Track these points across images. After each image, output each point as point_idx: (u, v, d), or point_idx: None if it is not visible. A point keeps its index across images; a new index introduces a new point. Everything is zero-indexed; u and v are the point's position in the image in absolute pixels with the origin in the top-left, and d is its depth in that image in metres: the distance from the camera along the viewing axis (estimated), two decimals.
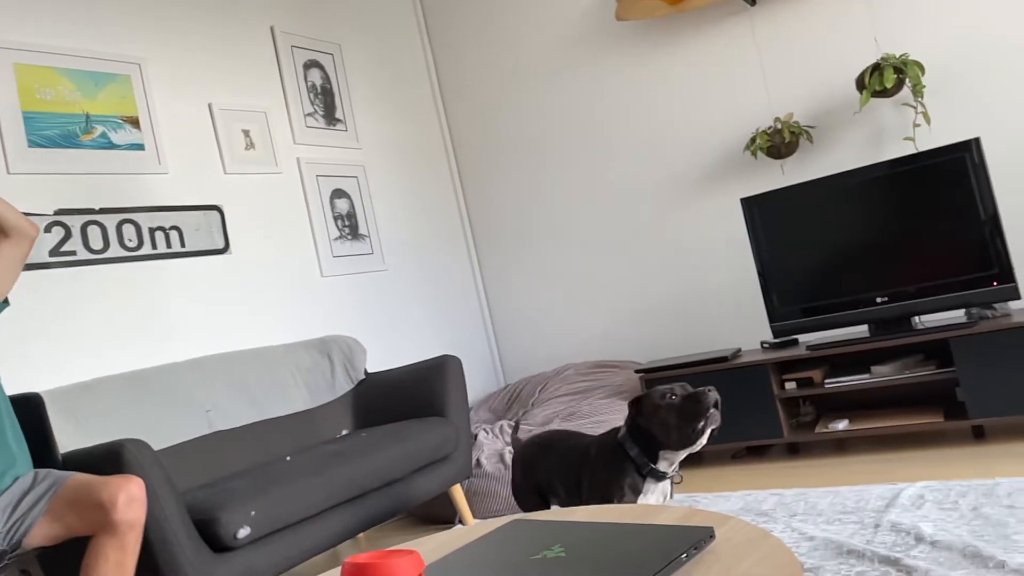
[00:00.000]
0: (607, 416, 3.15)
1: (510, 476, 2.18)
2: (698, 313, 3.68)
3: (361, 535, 3.06)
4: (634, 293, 3.87)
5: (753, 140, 3.27)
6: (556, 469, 1.99)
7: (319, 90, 3.66)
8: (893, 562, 1.75)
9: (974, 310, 2.76)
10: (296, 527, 2.09)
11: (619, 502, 1.77)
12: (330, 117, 3.69)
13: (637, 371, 3.25)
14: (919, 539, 1.87)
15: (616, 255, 3.91)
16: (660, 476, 1.79)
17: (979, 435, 2.71)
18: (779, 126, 3.24)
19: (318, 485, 2.12)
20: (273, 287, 3.19)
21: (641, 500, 1.78)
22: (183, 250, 2.90)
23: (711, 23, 3.54)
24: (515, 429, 2.29)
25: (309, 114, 3.57)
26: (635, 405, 1.82)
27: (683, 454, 1.77)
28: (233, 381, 2.62)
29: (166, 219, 2.87)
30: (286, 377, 2.78)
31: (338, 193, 3.60)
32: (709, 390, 1.71)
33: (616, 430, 1.89)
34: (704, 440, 1.73)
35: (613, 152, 3.87)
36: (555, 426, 3.16)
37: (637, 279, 3.85)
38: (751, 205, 3.07)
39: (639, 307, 3.86)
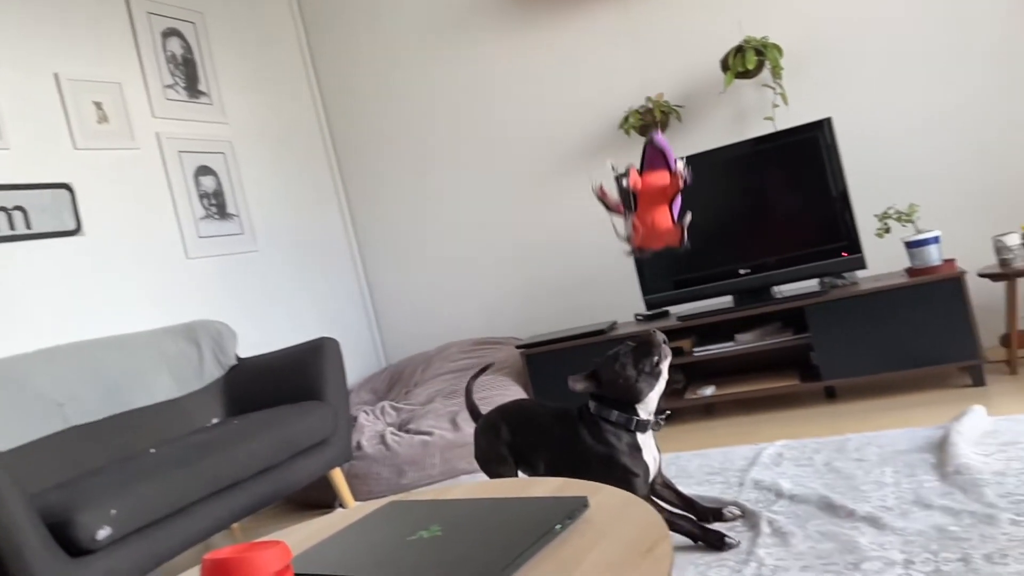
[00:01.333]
0: (490, 392, 3.17)
1: (473, 446, 2.11)
2: (576, 288, 3.76)
3: (235, 525, 2.96)
4: (514, 270, 3.90)
5: (626, 119, 3.35)
6: (531, 441, 1.96)
7: (180, 60, 3.45)
8: (757, 516, 1.86)
9: (826, 279, 2.95)
10: (163, 523, 1.98)
11: (629, 469, 1.77)
12: (192, 90, 3.49)
13: (518, 347, 3.29)
14: (779, 494, 1.99)
15: (496, 232, 3.92)
16: (646, 425, 1.82)
17: (831, 395, 2.92)
18: (650, 105, 3.33)
19: (185, 478, 2.02)
20: (133, 270, 3.00)
21: (644, 455, 1.81)
22: (29, 232, 2.67)
23: (587, 4, 3.58)
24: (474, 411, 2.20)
25: (169, 86, 3.37)
26: (592, 379, 1.84)
27: (655, 396, 1.82)
28: (89, 372, 2.45)
29: (8, 198, 2.63)
30: (149, 365, 2.63)
31: (203, 170, 3.42)
32: (653, 332, 1.82)
33: (581, 410, 1.88)
34: (665, 375, 1.82)
35: (491, 131, 3.87)
36: (438, 404, 3.16)
37: (517, 256, 3.89)
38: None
39: (519, 284, 3.90)
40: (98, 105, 3.02)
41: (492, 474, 2.02)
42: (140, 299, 3.00)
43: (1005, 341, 2.86)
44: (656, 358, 1.79)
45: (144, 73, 3.25)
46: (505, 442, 1.99)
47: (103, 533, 1.82)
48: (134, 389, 2.54)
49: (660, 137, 1.71)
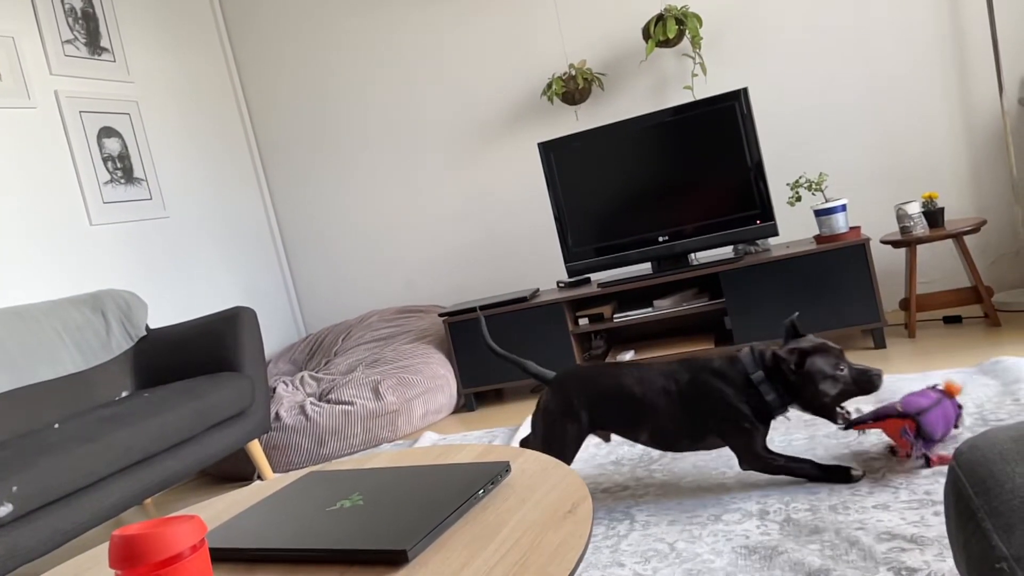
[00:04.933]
0: (411, 360, 3.16)
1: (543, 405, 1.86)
2: (499, 256, 3.76)
3: (148, 500, 2.87)
4: (436, 238, 3.87)
5: (549, 86, 3.34)
6: (619, 407, 1.78)
7: (79, 14, 3.24)
8: (636, 479, 1.95)
9: (740, 246, 3.04)
10: (69, 499, 1.90)
11: (752, 445, 1.70)
12: (94, 45, 3.29)
13: (441, 315, 3.27)
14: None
15: (417, 199, 3.87)
16: (782, 413, 1.72)
17: None
18: (573, 72, 3.33)
19: (92, 452, 1.93)
20: (32, 238, 2.84)
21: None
22: None
23: None
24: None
25: (68, 41, 3.16)
26: (796, 356, 1.64)
27: (802, 409, 1.72)
28: None
29: None
30: (52, 337, 2.50)
31: (107, 132, 3.25)
32: (877, 374, 1.64)
33: (732, 366, 1.73)
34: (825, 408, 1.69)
35: (412, 95, 3.79)
36: (359, 374, 3.12)
37: (439, 224, 3.85)
38: (548, 150, 3.15)
39: (442, 252, 3.88)
40: None
41: (558, 429, 1.80)
42: (40, 268, 2.84)
43: (904, 305, 3.02)
44: (841, 401, 1.67)
45: (40, 27, 3.05)
46: (584, 403, 1.81)
47: (4, 510, 1.73)
48: (36, 362, 2.41)
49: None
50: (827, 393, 1.63)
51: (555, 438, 1.80)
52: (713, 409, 1.71)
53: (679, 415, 1.74)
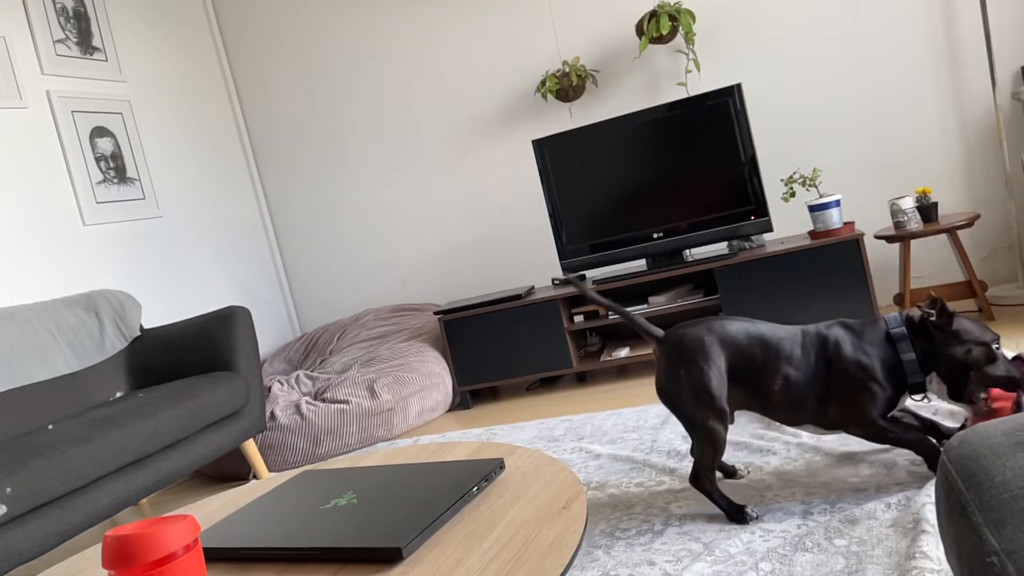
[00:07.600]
0: (406, 359, 3.15)
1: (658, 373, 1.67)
2: (494, 253, 3.76)
3: (143, 501, 2.86)
4: (431, 236, 3.87)
5: (543, 83, 3.34)
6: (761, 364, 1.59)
7: (70, 13, 3.23)
8: (669, 472, 1.93)
9: (735, 242, 3.04)
10: (63, 500, 1.90)
11: (869, 408, 1.51)
12: (86, 45, 3.27)
13: (436, 313, 3.27)
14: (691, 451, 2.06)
15: (411, 197, 3.87)
16: (918, 390, 1.52)
17: None
18: (567, 69, 3.33)
19: (86, 454, 1.93)
20: (24, 239, 2.82)
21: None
22: None
23: None
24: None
25: (59, 40, 3.15)
26: (949, 320, 1.45)
27: (941, 397, 1.54)
28: None
29: None
30: (45, 338, 2.49)
31: (99, 131, 3.23)
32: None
33: (872, 323, 1.56)
34: (971, 405, 1.49)
35: (406, 93, 3.79)
36: (354, 372, 3.12)
37: (433, 222, 3.85)
38: (542, 147, 3.14)
39: (436, 250, 3.87)
40: None
41: (714, 417, 1.58)
42: (32, 269, 2.83)
43: (899, 300, 3.03)
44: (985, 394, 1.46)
45: (31, 26, 3.03)
46: (717, 337, 1.62)
47: None
48: (28, 363, 2.40)
49: None
50: (976, 360, 1.43)
51: (704, 388, 1.57)
52: (841, 362, 1.53)
53: (811, 367, 1.56)
